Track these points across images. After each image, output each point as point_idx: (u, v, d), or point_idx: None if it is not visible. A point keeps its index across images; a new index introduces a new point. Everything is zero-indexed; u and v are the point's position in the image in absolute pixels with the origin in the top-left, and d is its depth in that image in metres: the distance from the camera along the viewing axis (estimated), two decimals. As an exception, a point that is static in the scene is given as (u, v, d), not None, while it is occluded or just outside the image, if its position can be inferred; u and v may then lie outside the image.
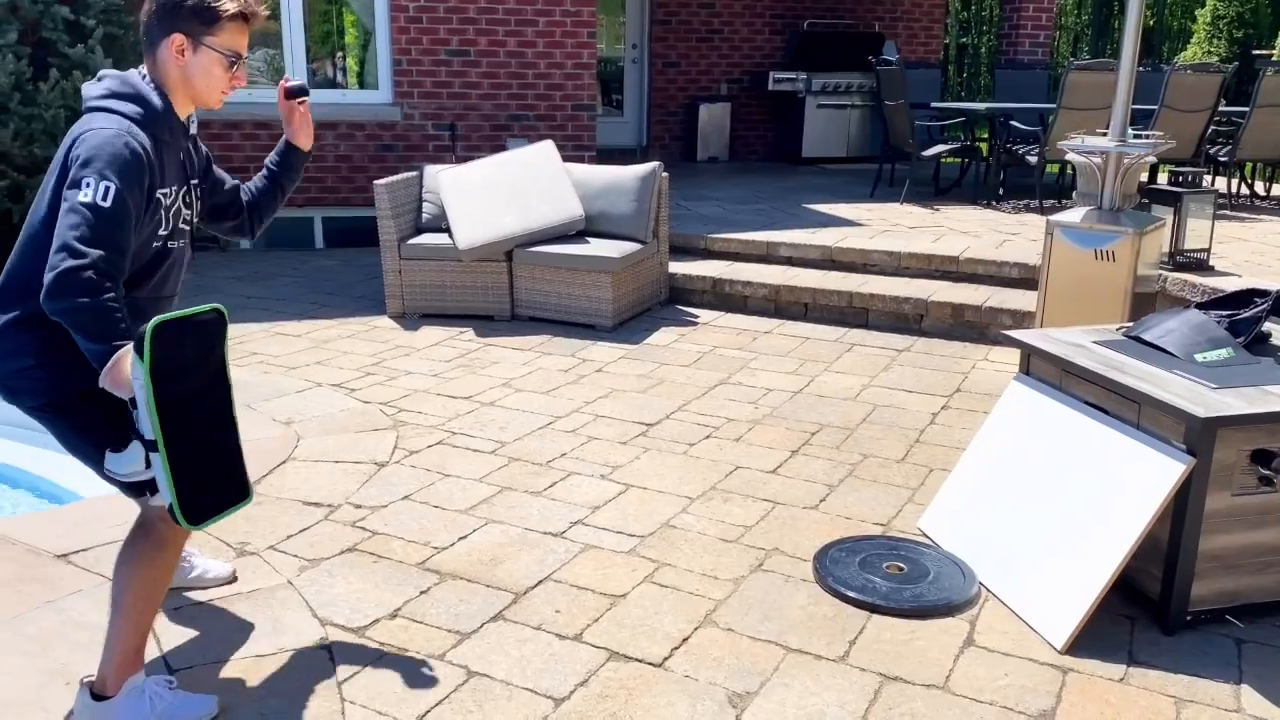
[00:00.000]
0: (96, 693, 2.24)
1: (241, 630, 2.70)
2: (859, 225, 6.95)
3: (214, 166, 2.63)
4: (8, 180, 6.29)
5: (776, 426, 4.27)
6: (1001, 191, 8.11)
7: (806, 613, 2.86)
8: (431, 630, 2.72)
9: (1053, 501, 2.97)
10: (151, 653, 2.59)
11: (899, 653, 2.67)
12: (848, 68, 10.48)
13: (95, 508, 3.44)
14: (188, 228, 2.43)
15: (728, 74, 11.03)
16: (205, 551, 3.10)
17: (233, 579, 2.95)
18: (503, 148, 8.39)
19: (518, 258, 5.68)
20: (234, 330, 5.57)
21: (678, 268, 6.27)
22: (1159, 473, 2.70)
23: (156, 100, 2.26)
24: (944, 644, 2.72)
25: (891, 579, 3.00)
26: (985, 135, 9.07)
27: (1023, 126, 7.61)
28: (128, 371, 2.07)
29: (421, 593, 2.92)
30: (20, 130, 6.27)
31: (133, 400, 2.10)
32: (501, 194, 5.74)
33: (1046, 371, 3.24)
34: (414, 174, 6.11)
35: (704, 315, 6.02)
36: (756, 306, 6.03)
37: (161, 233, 2.31)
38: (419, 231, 5.98)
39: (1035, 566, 2.90)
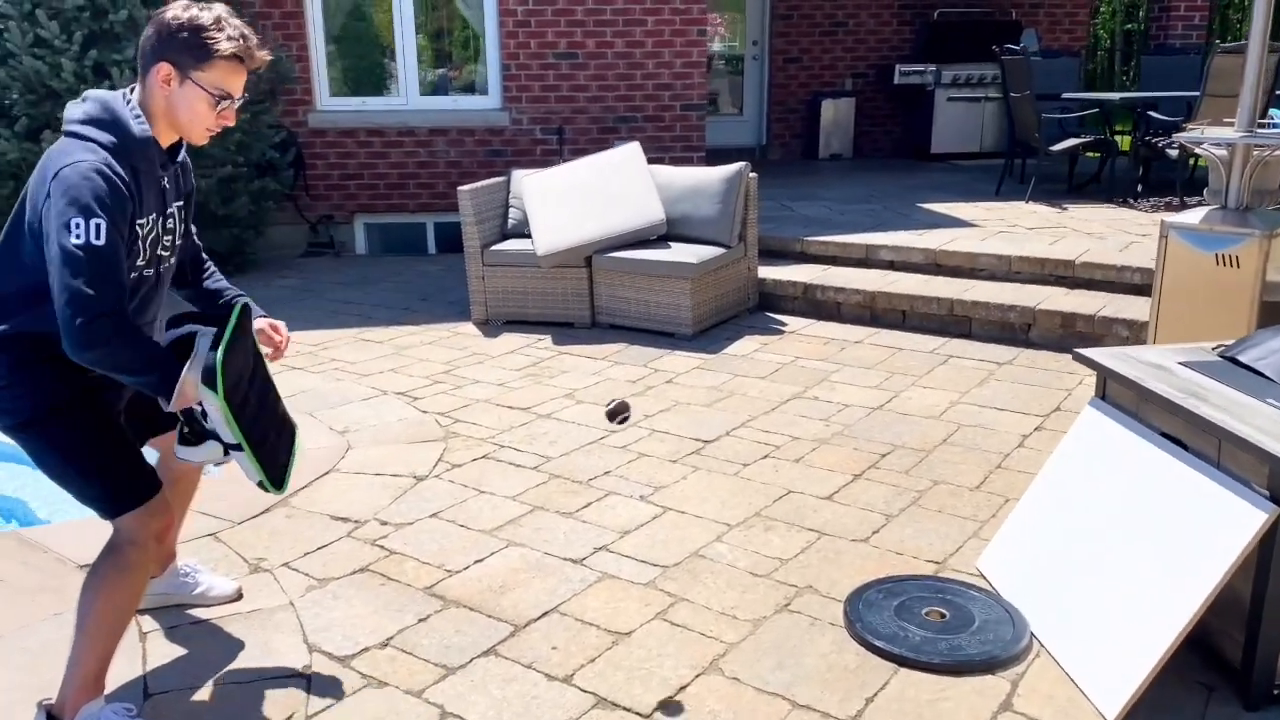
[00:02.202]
0: (53, 716, 2.20)
1: (228, 653, 2.63)
2: (973, 226, 6.49)
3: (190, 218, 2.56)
4: (126, 190, 6.56)
5: (844, 447, 3.97)
6: (1140, 189, 7.45)
7: (826, 662, 2.58)
8: (418, 663, 2.59)
9: (1119, 547, 2.59)
10: (135, 672, 2.55)
11: (920, 715, 2.37)
12: (982, 58, 9.87)
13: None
14: (167, 253, 2.36)
15: (852, 68, 10.59)
16: (220, 568, 3.07)
17: (237, 597, 2.90)
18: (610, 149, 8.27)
19: (597, 264, 5.53)
20: (321, 336, 5.63)
21: (769, 272, 5.98)
22: (1235, 522, 2.31)
23: (136, 130, 2.17)
24: (974, 706, 2.40)
25: (929, 627, 2.69)
26: (1129, 127, 8.38)
27: (1161, 117, 6.95)
28: (193, 394, 2.17)
29: (420, 620, 2.79)
30: (137, 141, 6.52)
31: (200, 410, 2.24)
32: (582, 198, 5.60)
33: (1123, 396, 2.85)
34: (501, 179, 6.05)
35: (793, 323, 5.72)
36: (850, 314, 5.69)
37: (139, 263, 2.24)
38: (505, 237, 5.90)
39: (1093, 621, 2.54)
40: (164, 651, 2.65)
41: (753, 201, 5.70)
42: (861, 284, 5.67)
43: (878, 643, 2.62)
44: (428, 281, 7.02)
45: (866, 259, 6.07)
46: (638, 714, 2.39)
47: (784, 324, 5.70)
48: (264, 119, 7.28)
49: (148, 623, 2.77)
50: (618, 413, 2.57)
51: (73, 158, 2.08)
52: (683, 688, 2.48)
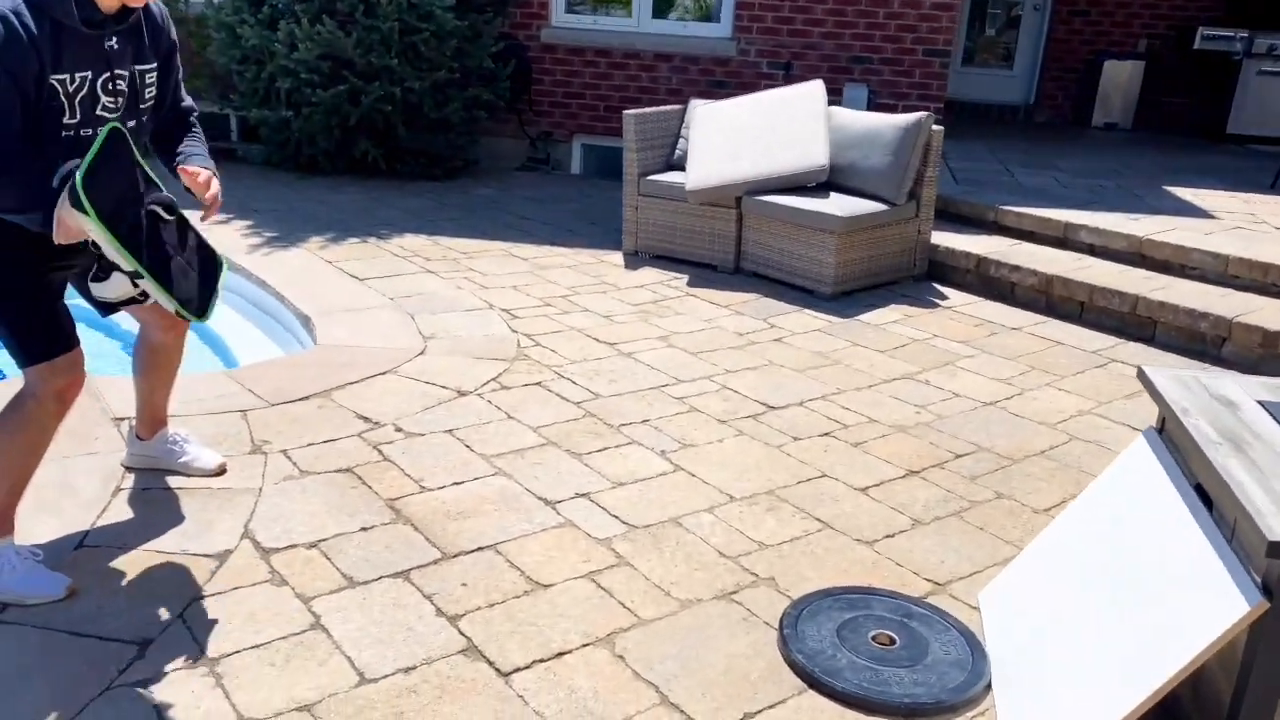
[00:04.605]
0: (-38, 549, 2.36)
1: (172, 524, 2.72)
2: (1208, 217, 5.55)
3: (175, 73, 2.57)
4: (347, 85, 6.93)
5: (919, 439, 3.53)
6: None
7: (728, 664, 2.30)
8: (329, 570, 2.56)
9: (1107, 609, 2.11)
10: (86, 523, 2.70)
11: (794, 747, 2.06)
12: (1313, 26, 8.38)
13: (203, 380, 3.67)
14: (112, 115, 2.39)
15: (1149, 28, 9.31)
16: (226, 443, 3.18)
17: (218, 472, 2.99)
18: (838, 92, 7.80)
19: (746, 206, 5.22)
20: (474, 245, 5.72)
21: (944, 239, 5.41)
22: (1218, 608, 1.80)
23: None
24: (860, 754, 2.05)
25: (865, 652, 2.33)
26: None
27: None
28: (72, 223, 2.17)
29: (362, 529, 2.76)
30: (361, 39, 6.86)
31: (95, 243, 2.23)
32: (746, 134, 5.29)
33: (1176, 432, 2.30)
34: (676, 108, 5.83)
35: (955, 298, 5.15)
36: (1024, 297, 5.05)
37: (68, 120, 2.28)
38: (669, 168, 5.71)
39: (1050, 687, 2.10)
40: (121, 510, 2.78)
41: (933, 157, 5.14)
42: (1039, 265, 5.01)
43: (796, 656, 2.30)
44: (609, 207, 6.95)
45: (1064, 238, 5.35)
46: (496, 670, 2.24)
47: (944, 298, 5.15)
48: (486, 29, 7.43)
49: (127, 481, 2.93)
50: None
51: None
52: (561, 654, 2.30)
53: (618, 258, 5.64)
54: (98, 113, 2.34)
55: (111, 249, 2.19)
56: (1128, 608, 2.04)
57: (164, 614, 2.35)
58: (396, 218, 6.24)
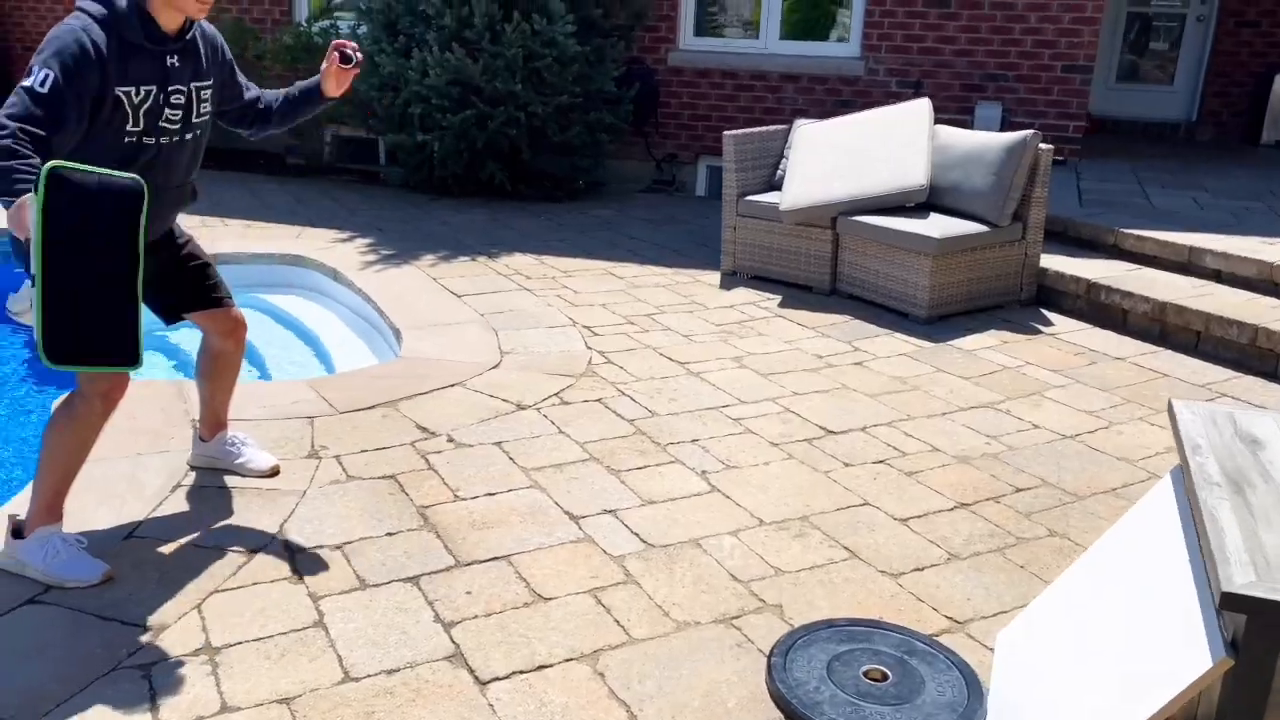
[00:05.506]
0: (16, 530, 2.58)
1: (216, 520, 2.89)
2: (1360, 243, 5.07)
3: (237, 78, 2.78)
4: (474, 110, 7.20)
5: (980, 471, 3.37)
6: None
7: (709, 690, 2.26)
8: (345, 571, 2.67)
9: (1100, 653, 1.97)
10: (140, 515, 2.90)
11: (752, 778, 2.01)
12: None
13: (282, 388, 3.89)
14: (175, 127, 2.58)
15: (1327, 37, 8.60)
16: (287, 447, 3.36)
17: (272, 474, 3.16)
18: (970, 110, 7.57)
19: (841, 226, 5.11)
20: (575, 264, 5.83)
21: (1056, 262, 5.14)
22: (1185, 663, 1.65)
23: (121, 3, 2.44)
24: (818, 791, 1.98)
25: (850, 688, 2.25)
26: None
27: None
28: (27, 216, 2.17)
29: (388, 534, 2.86)
30: (487, 65, 7.12)
31: (28, 242, 2.20)
32: (845, 154, 5.19)
33: (1187, 471, 2.12)
34: (781, 127, 5.79)
35: (1062, 325, 4.88)
36: (1137, 325, 4.74)
37: (131, 128, 2.48)
38: (771, 188, 5.66)
39: (1029, 741, 1.97)
40: (176, 505, 2.98)
41: (1041, 177, 4.91)
42: (1153, 291, 4.69)
43: (778, 686, 2.24)
44: (718, 229, 6.94)
45: (1189, 263, 5.00)
46: (476, 678, 2.28)
47: (1049, 324, 4.90)
48: (611, 53, 7.57)
49: (188, 478, 3.13)
50: None
51: (64, 24, 2.40)
52: (540, 668, 2.32)
53: (714, 278, 5.63)
54: (160, 124, 2.54)
55: (34, 240, 2.14)
56: (1119, 655, 1.90)
57: (184, 603, 2.50)
58: (511, 237, 6.43)
